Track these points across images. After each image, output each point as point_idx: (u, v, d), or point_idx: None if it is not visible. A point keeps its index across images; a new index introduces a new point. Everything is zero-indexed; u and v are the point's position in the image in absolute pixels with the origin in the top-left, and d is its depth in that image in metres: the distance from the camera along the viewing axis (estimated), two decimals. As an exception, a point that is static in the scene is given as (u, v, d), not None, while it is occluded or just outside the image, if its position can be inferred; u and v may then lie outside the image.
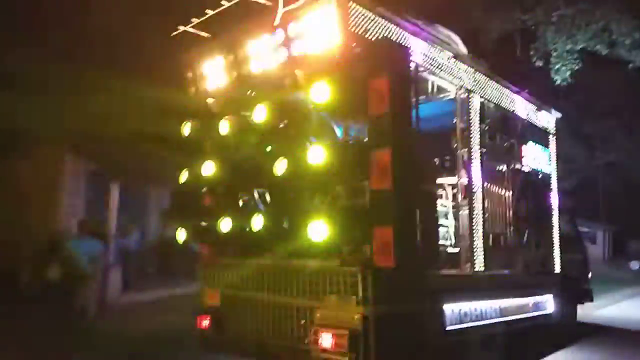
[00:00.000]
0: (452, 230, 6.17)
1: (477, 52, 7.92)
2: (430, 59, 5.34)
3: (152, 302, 8.50)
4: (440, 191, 6.34)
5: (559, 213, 7.97)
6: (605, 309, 12.69)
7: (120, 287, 8.81)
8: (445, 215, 6.23)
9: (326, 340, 4.27)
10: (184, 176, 5.52)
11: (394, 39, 4.82)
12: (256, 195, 5.47)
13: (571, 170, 22.87)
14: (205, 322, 5.37)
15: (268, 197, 5.38)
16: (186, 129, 5.49)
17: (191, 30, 5.04)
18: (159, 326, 6.71)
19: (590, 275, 9.36)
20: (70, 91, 7.62)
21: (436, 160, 6.31)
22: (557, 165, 8.02)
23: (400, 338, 4.42)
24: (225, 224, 5.36)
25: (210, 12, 4.79)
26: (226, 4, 4.67)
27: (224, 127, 5.07)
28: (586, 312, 10.48)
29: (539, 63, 12.52)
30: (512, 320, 6.17)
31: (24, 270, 8.56)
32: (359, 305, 4.23)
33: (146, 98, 6.59)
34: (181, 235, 5.51)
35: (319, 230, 4.77)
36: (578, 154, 23.79)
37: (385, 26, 4.78)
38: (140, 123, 7.03)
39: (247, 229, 5.26)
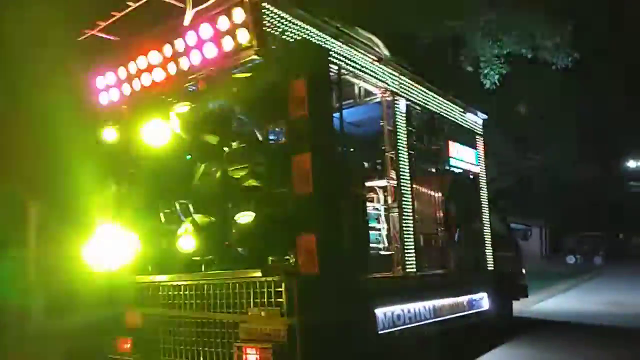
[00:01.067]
0: (384, 233, 6.14)
1: (409, 57, 8.02)
2: (352, 62, 5.30)
3: (76, 325, 7.98)
4: (371, 194, 6.32)
5: (491, 212, 8.15)
6: (542, 303, 13.15)
7: (43, 313, 8.21)
8: (377, 219, 6.20)
9: (250, 356, 4.07)
10: (104, 192, 5.20)
11: (312, 41, 4.73)
12: (178, 207, 5.24)
13: (506, 171, 23.74)
14: (127, 345, 5.03)
15: (191, 209, 5.17)
16: (105, 135, 5.20)
17: (99, 34, 4.75)
18: (79, 350, 6.27)
19: (524, 271, 9.62)
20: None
21: (366, 163, 6.28)
22: (486, 166, 8.21)
23: (330, 347, 4.28)
24: (147, 240, 5.10)
25: (117, 15, 4.52)
26: (133, 5, 4.43)
27: (143, 134, 4.81)
28: (523, 307, 10.81)
29: (469, 68, 12.91)
30: (447, 319, 6.19)
31: None
32: (283, 316, 4.07)
33: (57, 107, 6.20)
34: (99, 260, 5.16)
35: (242, 239, 4.62)
36: (512, 155, 24.72)
37: (303, 28, 4.70)
38: (54, 136, 6.59)
39: (168, 243, 5.05)
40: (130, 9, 4.45)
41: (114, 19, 4.61)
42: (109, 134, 5.19)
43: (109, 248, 5.23)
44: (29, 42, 6.69)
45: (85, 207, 5.55)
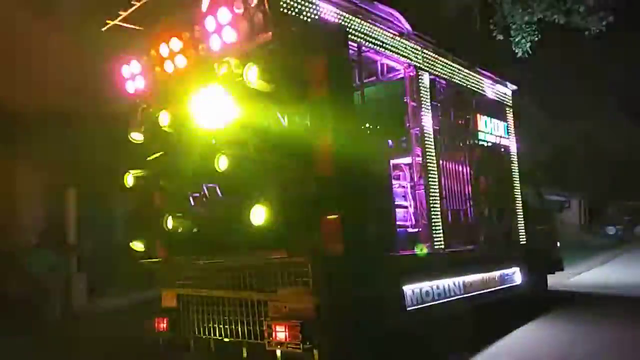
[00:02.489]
0: (411, 210, 6.12)
1: (435, 29, 7.83)
2: (373, 38, 5.22)
3: (118, 307, 8.34)
4: (397, 172, 6.28)
5: (524, 185, 7.98)
6: (579, 275, 12.86)
7: (86, 294, 8.61)
8: (404, 196, 6.17)
9: (280, 333, 4.18)
10: (129, 179, 5.34)
11: (330, 20, 4.69)
12: (206, 190, 5.34)
13: (543, 141, 23.11)
14: (163, 324, 5.24)
15: (219, 192, 5.26)
16: (133, 132, 5.33)
17: (122, 24, 4.83)
18: (123, 331, 6.56)
19: (559, 244, 9.42)
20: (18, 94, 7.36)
21: (390, 141, 6.23)
22: (517, 137, 8.02)
23: (357, 324, 4.36)
24: (176, 223, 5.23)
25: (135, 4, 4.58)
26: (151, -6, 4.48)
27: (164, 120, 4.91)
28: (560, 280, 10.62)
29: (500, 37, 12.50)
30: (477, 295, 6.16)
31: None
32: (310, 295, 4.14)
33: (89, 99, 6.37)
34: (137, 244, 5.35)
35: (268, 221, 4.68)
36: (549, 125, 24.01)
37: (320, 7, 4.65)
38: (88, 125, 6.80)
39: (199, 226, 5.17)
40: (147, -2, 4.50)
41: (134, 7, 4.68)
42: (137, 121, 5.31)
43: (143, 230, 5.46)
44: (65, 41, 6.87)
45: (120, 193, 5.75)
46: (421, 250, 5.65)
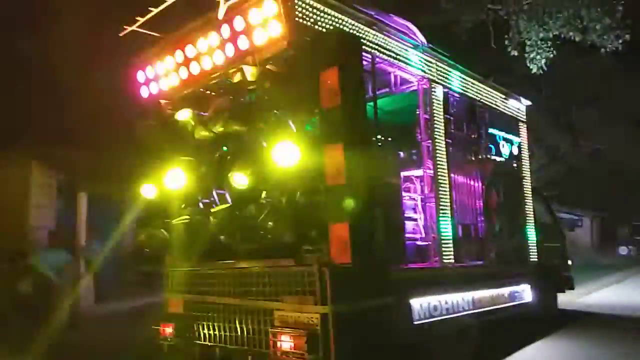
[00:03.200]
0: (421, 223, 6.08)
1: (450, 44, 7.83)
2: (387, 50, 5.24)
3: (126, 311, 8.34)
4: (407, 184, 6.25)
5: (536, 201, 7.91)
6: (590, 295, 12.67)
7: (94, 297, 8.64)
8: (414, 209, 6.14)
9: (285, 342, 4.15)
10: (144, 189, 5.37)
11: (345, 30, 4.71)
12: (215, 196, 5.37)
13: (555, 158, 22.91)
14: (169, 330, 5.23)
15: (228, 198, 5.28)
16: (142, 132, 5.37)
17: (139, 29, 4.89)
18: (128, 336, 6.56)
19: (570, 262, 9.29)
20: (33, 99, 7.47)
21: (402, 153, 6.21)
22: (530, 153, 7.97)
23: (363, 336, 4.31)
24: (184, 228, 5.25)
25: (154, 10, 4.64)
26: (169, 0, 4.53)
27: (181, 127, 4.96)
28: (571, 299, 10.46)
29: (514, 52, 12.46)
30: (486, 311, 6.08)
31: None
32: (317, 304, 4.11)
33: (104, 103, 6.45)
34: (145, 249, 5.38)
35: (276, 230, 4.68)
36: (562, 142, 23.81)
37: (336, 17, 4.68)
38: (102, 128, 6.87)
39: (207, 232, 5.17)
40: (166, 4, 4.56)
41: (151, 14, 4.74)
42: (149, 127, 5.36)
43: (151, 237, 5.48)
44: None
45: (130, 198, 5.78)
46: (430, 263, 5.61)
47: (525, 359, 6.43)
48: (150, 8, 4.66)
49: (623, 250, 29.27)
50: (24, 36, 7.82)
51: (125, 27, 4.89)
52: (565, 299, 9.56)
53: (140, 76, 5.24)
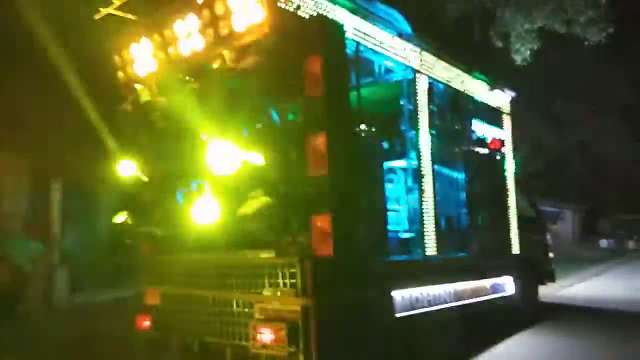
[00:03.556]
0: (404, 214, 6.02)
1: (435, 34, 7.74)
2: (371, 37, 5.13)
3: (100, 303, 8.19)
4: (391, 175, 6.18)
5: (519, 194, 7.91)
6: (571, 287, 12.83)
7: (67, 287, 8.45)
8: (397, 200, 6.07)
9: (265, 335, 4.07)
10: (118, 170, 5.22)
11: (328, 17, 4.59)
12: (194, 186, 5.24)
13: (539, 152, 23.10)
14: (146, 322, 5.12)
15: (207, 188, 5.15)
16: (118, 117, 5.22)
17: (115, 12, 4.72)
18: (103, 327, 6.43)
19: (552, 255, 9.35)
20: (3, 81, 7.21)
21: (385, 143, 6.13)
22: (514, 146, 7.95)
23: (344, 328, 4.25)
24: (163, 219, 5.13)
25: (130, -8, 4.48)
26: (145, -18, 4.38)
27: (154, 110, 4.82)
28: (552, 291, 10.56)
29: (499, 44, 12.48)
30: (468, 304, 6.06)
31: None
32: (297, 297, 4.04)
33: (78, 87, 6.26)
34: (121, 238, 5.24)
35: (257, 220, 4.58)
36: (546, 134, 24.01)
37: (319, 3, 4.56)
38: (77, 113, 6.67)
39: (186, 223, 5.05)
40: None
41: (127, -4, 4.57)
42: (129, 108, 5.20)
43: (129, 227, 5.34)
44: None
45: (107, 186, 5.63)
46: (412, 255, 5.56)
47: (507, 351, 6.45)
48: (126, -10, 4.50)
49: (603, 242, 29.75)
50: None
51: (100, 9, 4.71)
52: (547, 292, 9.65)
53: (117, 60, 5.07)
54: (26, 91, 7.66)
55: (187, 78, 4.72)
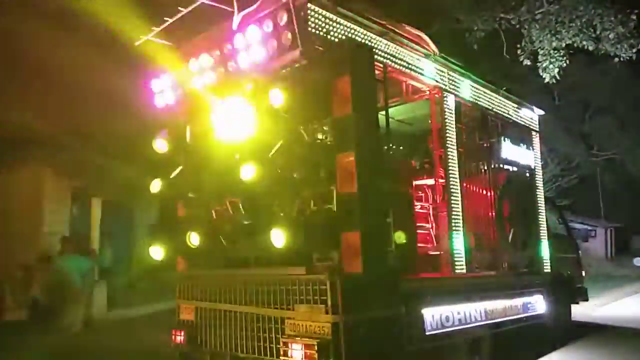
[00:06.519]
0: (433, 232, 6.06)
1: (462, 53, 7.80)
2: (399, 59, 5.25)
3: (137, 318, 8.38)
4: (419, 193, 6.24)
5: (549, 212, 7.83)
6: (605, 307, 12.49)
7: (106, 303, 8.70)
8: (426, 218, 6.12)
9: (296, 351, 4.14)
10: (155, 186, 5.41)
11: (357, 40, 4.74)
12: (229, 206, 5.38)
13: (570, 169, 22.69)
14: (180, 337, 5.25)
15: (241, 208, 5.29)
16: (157, 141, 5.42)
17: (154, 39, 4.97)
18: (140, 342, 6.59)
19: (584, 273, 9.17)
20: (48, 105, 7.58)
21: (414, 161, 6.21)
22: (543, 163, 7.90)
23: (374, 345, 4.29)
24: (197, 236, 5.27)
25: (168, 20, 4.71)
26: (183, 11, 4.61)
27: (191, 134, 5.00)
28: (585, 311, 10.31)
29: (527, 62, 12.41)
30: (498, 322, 6.01)
31: (6, 292, 8.44)
32: (328, 313, 4.10)
33: (120, 110, 6.54)
34: (157, 252, 5.38)
35: (287, 237, 4.68)
36: (576, 151, 23.60)
37: (348, 27, 4.71)
38: (118, 136, 6.96)
39: (220, 240, 5.19)
40: (181, 14, 4.63)
41: (166, 24, 4.81)
42: (164, 135, 5.40)
43: (165, 243, 5.50)
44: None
45: (143, 205, 5.83)
46: (442, 273, 5.57)
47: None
48: (165, 18, 4.73)
49: (638, 261, 28.79)
50: (39, 38, 7.89)
51: (140, 36, 4.96)
52: (580, 311, 9.43)
53: (155, 85, 5.30)
54: (67, 112, 8.02)
55: (221, 101, 4.88)
